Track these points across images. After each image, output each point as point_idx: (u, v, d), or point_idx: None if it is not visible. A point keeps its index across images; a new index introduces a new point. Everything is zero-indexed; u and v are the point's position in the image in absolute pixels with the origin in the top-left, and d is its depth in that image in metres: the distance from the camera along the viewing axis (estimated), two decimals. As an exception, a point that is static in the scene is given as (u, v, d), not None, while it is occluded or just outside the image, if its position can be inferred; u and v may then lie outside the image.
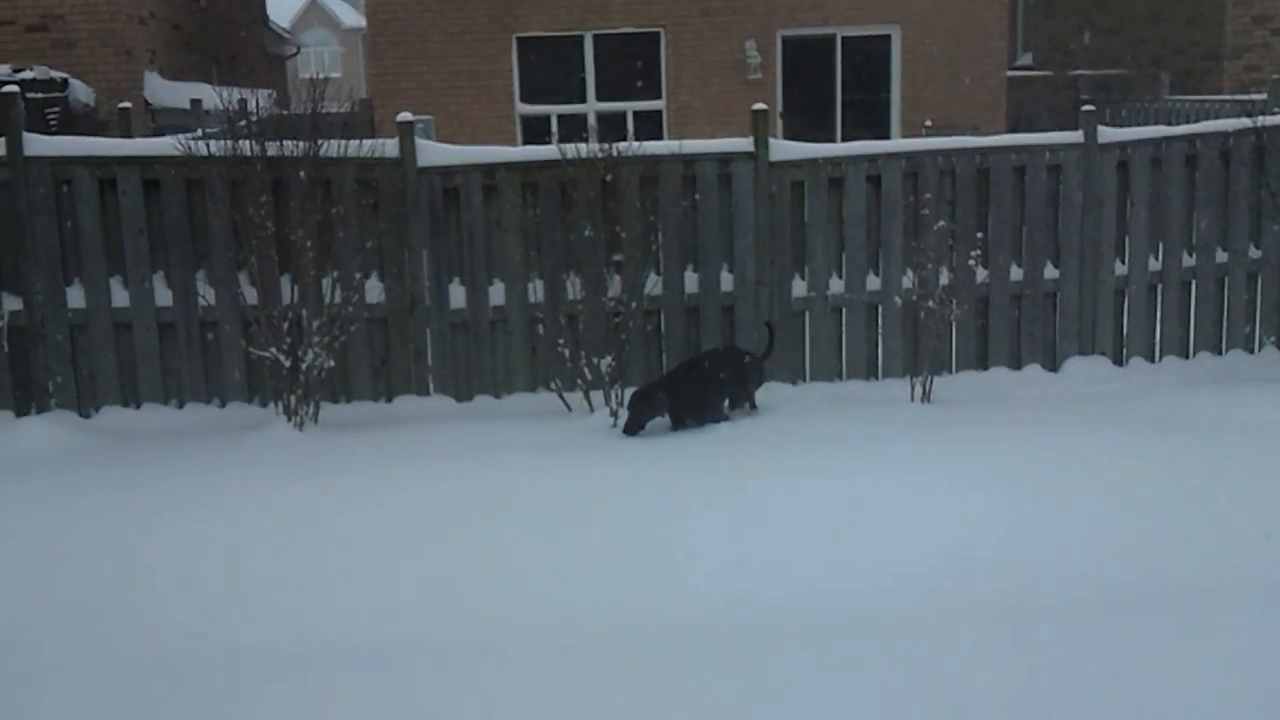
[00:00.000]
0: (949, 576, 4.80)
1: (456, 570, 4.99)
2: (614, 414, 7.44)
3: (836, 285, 8.16)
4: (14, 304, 7.59)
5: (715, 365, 7.47)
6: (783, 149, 8.08)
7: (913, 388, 7.76)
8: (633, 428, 7.15)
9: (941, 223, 7.96)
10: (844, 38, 17.30)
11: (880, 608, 4.59)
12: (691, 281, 8.02)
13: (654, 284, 7.92)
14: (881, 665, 4.13)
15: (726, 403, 7.49)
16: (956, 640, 4.30)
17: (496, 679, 4.11)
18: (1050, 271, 8.36)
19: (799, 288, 8.12)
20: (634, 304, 7.76)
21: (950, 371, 8.23)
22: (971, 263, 8.10)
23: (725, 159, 7.98)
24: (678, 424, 7.30)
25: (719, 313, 8.06)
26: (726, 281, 8.05)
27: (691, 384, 7.38)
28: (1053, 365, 8.43)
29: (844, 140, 13.92)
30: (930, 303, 7.75)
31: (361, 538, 5.32)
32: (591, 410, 7.62)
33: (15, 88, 7.70)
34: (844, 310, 8.19)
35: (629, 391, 7.52)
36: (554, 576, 4.92)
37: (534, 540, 5.25)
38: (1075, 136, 8.35)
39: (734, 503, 5.65)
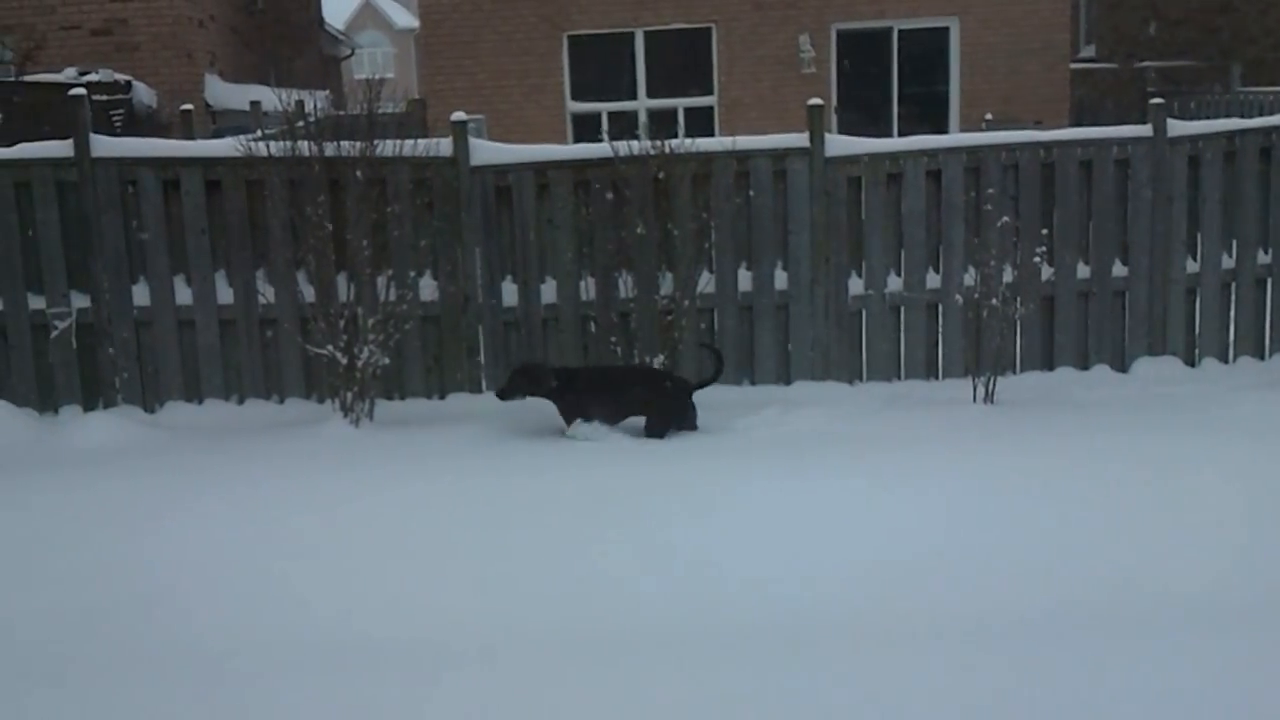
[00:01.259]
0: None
1: (506, 573, 5.03)
2: (667, 411, 7.46)
3: (895, 283, 8.11)
4: (82, 301, 7.75)
5: (631, 381, 7.36)
6: (839, 144, 8.06)
7: (975, 388, 7.63)
8: (507, 394, 7.18)
9: (1005, 219, 7.83)
10: (900, 30, 17.20)
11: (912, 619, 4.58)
12: (745, 279, 8.02)
13: (707, 282, 7.94)
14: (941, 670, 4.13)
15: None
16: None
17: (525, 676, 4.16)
18: (1119, 269, 8.23)
19: (855, 285, 8.09)
20: (686, 302, 7.79)
21: (1014, 372, 8.11)
22: (1036, 260, 7.94)
23: (780, 155, 7.97)
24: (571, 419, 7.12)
25: (772, 311, 8.06)
26: (780, 280, 8.04)
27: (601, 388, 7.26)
28: (1121, 365, 8.30)
29: (900, 135, 13.83)
30: (993, 301, 7.63)
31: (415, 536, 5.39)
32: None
33: (82, 90, 7.86)
34: (903, 309, 8.14)
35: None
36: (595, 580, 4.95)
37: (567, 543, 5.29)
38: (1144, 130, 8.23)
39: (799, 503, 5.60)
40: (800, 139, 7.99)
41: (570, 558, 5.04)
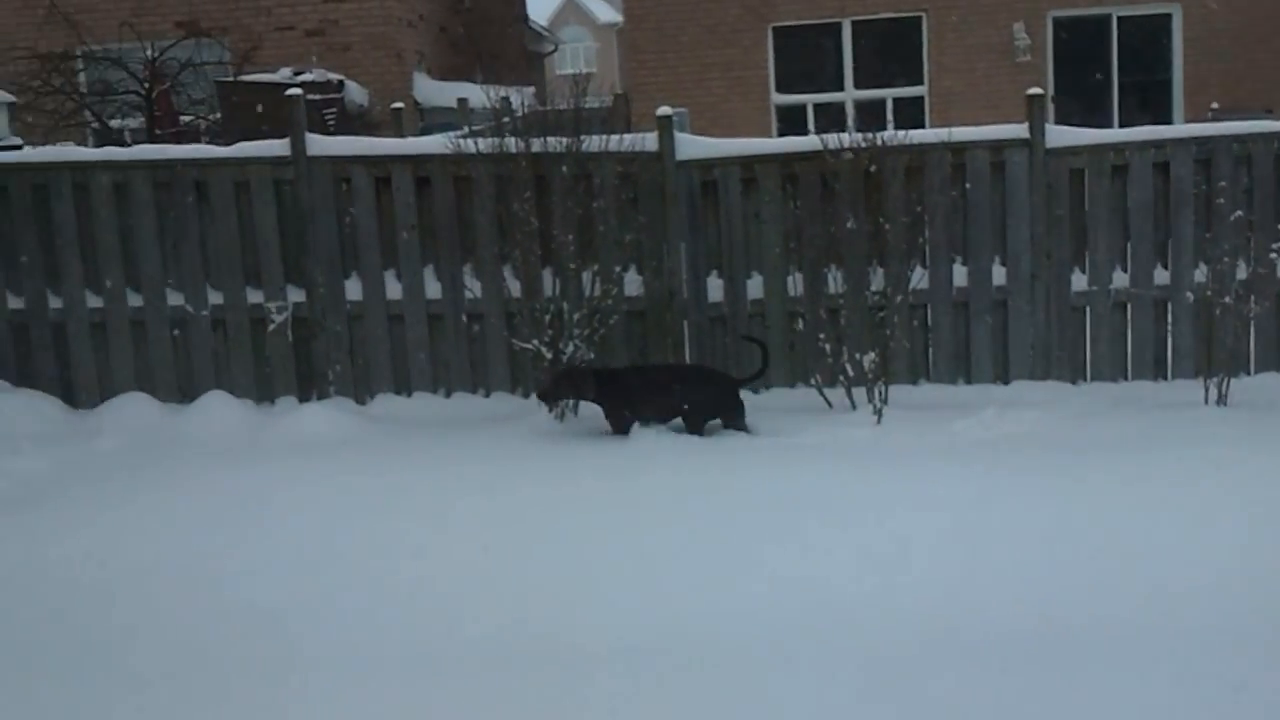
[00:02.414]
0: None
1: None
2: (877, 412, 7.22)
3: (1120, 279, 7.69)
4: (297, 296, 7.94)
5: (676, 379, 7.25)
6: (1060, 135, 7.68)
7: (1206, 390, 7.20)
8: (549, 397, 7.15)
9: (1238, 213, 7.36)
10: (1119, 17, 16.43)
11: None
12: (960, 275, 7.72)
13: (920, 278, 7.65)
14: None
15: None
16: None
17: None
18: (1365, 265, 7.62)
19: (1078, 281, 7.70)
20: (898, 298, 7.51)
21: (1247, 373, 7.59)
22: (1273, 256, 7.46)
23: (997, 146, 7.64)
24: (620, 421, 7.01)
25: (990, 308, 7.73)
26: (998, 275, 7.71)
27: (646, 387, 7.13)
28: (1366, 368, 7.68)
29: (1120, 125, 13.19)
30: (1226, 299, 7.19)
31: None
32: (853, 407, 7.41)
33: (298, 90, 8.05)
34: (1129, 306, 7.71)
35: (893, 389, 7.30)
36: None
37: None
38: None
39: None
40: (1019, 130, 7.67)
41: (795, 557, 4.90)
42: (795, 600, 4.59)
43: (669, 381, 7.25)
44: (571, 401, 7.28)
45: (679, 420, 7.05)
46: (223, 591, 4.87)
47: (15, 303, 7.93)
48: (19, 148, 9.48)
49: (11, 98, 10.42)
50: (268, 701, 4.06)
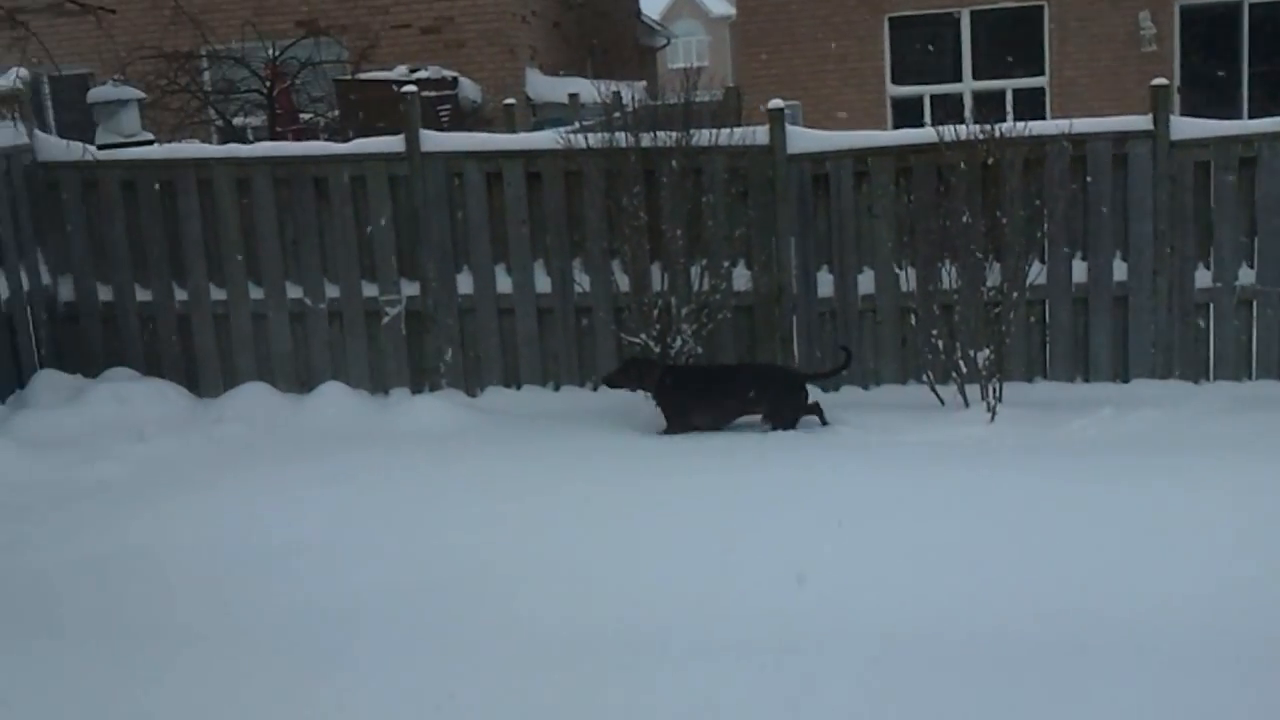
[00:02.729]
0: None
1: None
2: (990, 410, 7.09)
3: (1246, 275, 7.45)
4: (411, 289, 8.06)
5: (741, 378, 7.24)
6: (1185, 126, 7.47)
7: (1339, 391, 6.95)
8: (613, 383, 7.25)
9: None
10: (1251, 5, 15.87)
11: None
12: (1079, 270, 7.56)
13: (1037, 273, 7.49)
14: None
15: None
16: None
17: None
18: None
19: (1202, 277, 7.49)
20: (1015, 294, 7.36)
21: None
22: None
23: (1119, 138, 7.46)
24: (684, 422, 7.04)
25: (1109, 304, 7.55)
26: (1119, 270, 7.53)
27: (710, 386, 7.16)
28: None
29: (1251, 117, 12.73)
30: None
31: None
32: (966, 405, 7.30)
33: (413, 87, 8.17)
34: (1255, 303, 7.47)
35: (1007, 387, 7.17)
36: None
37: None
38: None
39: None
40: (1142, 121, 7.48)
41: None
42: (952, 602, 4.51)
43: (734, 381, 7.25)
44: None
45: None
46: (353, 572, 4.95)
47: (143, 295, 8.17)
48: (150, 142, 9.76)
49: (141, 94, 10.73)
50: (431, 676, 4.11)
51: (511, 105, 14.19)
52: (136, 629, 4.46)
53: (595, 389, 7.84)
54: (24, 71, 8.19)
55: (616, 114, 8.24)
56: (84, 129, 10.69)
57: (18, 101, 7.99)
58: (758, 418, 7.12)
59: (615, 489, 5.87)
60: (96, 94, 10.47)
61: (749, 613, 4.45)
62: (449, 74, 15.23)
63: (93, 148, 8.26)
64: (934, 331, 7.48)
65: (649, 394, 7.23)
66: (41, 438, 6.82)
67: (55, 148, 8.17)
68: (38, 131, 8.24)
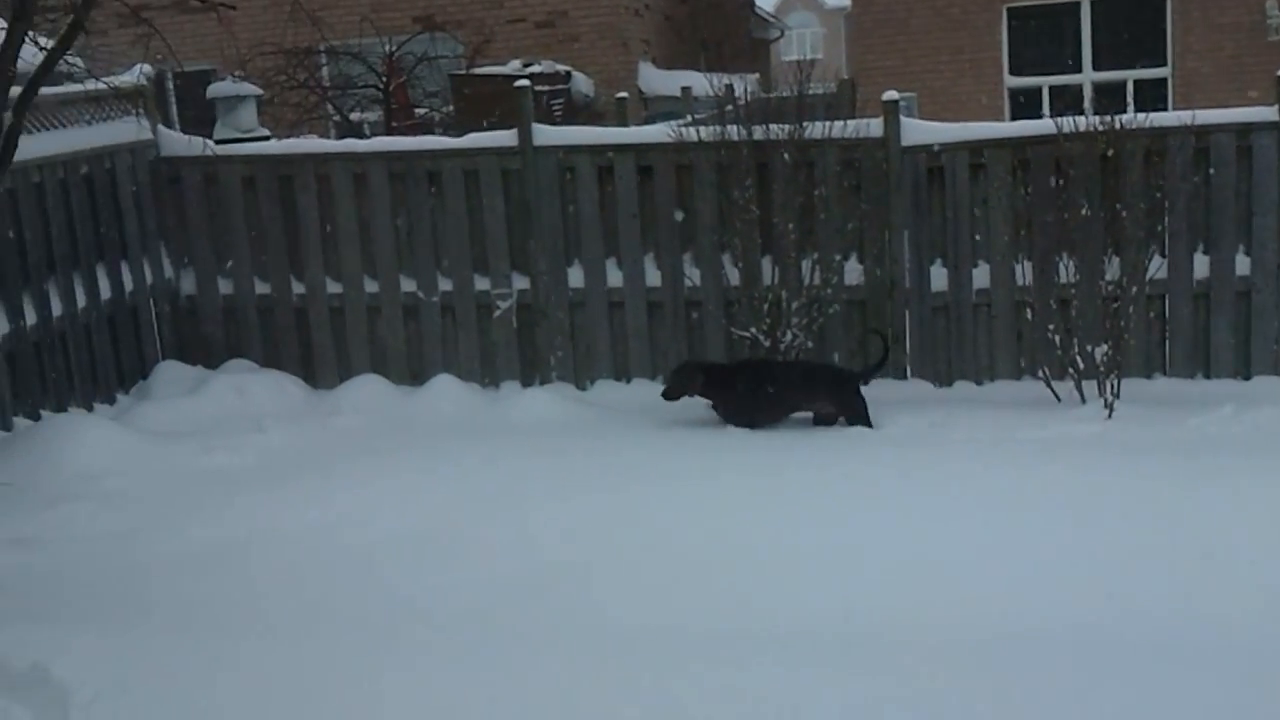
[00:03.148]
0: None
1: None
2: (1108, 406, 6.92)
3: (1378, 271, 7.18)
4: (522, 283, 8.12)
5: (792, 376, 7.25)
6: (1313, 117, 7.20)
7: None
8: (671, 395, 7.23)
9: None
10: (1383, -11, 15.27)
11: None
12: (1201, 265, 7.34)
13: (1157, 267, 7.29)
14: None
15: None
16: None
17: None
18: None
19: (1330, 272, 7.22)
20: (1134, 288, 7.18)
21: None
22: None
23: (1244, 130, 7.23)
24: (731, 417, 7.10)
25: (1232, 299, 7.33)
26: (1241, 265, 7.30)
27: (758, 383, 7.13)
28: None
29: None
30: None
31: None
32: (1083, 401, 7.14)
33: (526, 82, 8.22)
34: (1387, 300, 7.19)
35: (1125, 383, 7.00)
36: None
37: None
38: None
39: None
40: (1268, 112, 7.26)
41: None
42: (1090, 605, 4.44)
43: (786, 379, 7.24)
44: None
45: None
46: (459, 564, 5.01)
47: (262, 288, 8.35)
48: (268, 138, 9.98)
49: (260, 91, 10.97)
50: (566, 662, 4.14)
51: (624, 99, 14.22)
52: (250, 615, 4.56)
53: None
54: (148, 68, 8.40)
55: (729, 107, 8.21)
56: (204, 124, 10.99)
57: (142, 97, 8.21)
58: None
59: (730, 485, 5.86)
60: (216, 89, 10.75)
61: (877, 607, 4.45)
62: (562, 68, 15.32)
63: (212, 143, 8.47)
64: (1051, 326, 7.32)
65: (701, 395, 7.23)
66: (163, 428, 7.01)
67: (178, 143, 8.38)
68: (161, 127, 8.46)
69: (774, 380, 7.22)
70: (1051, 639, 4.15)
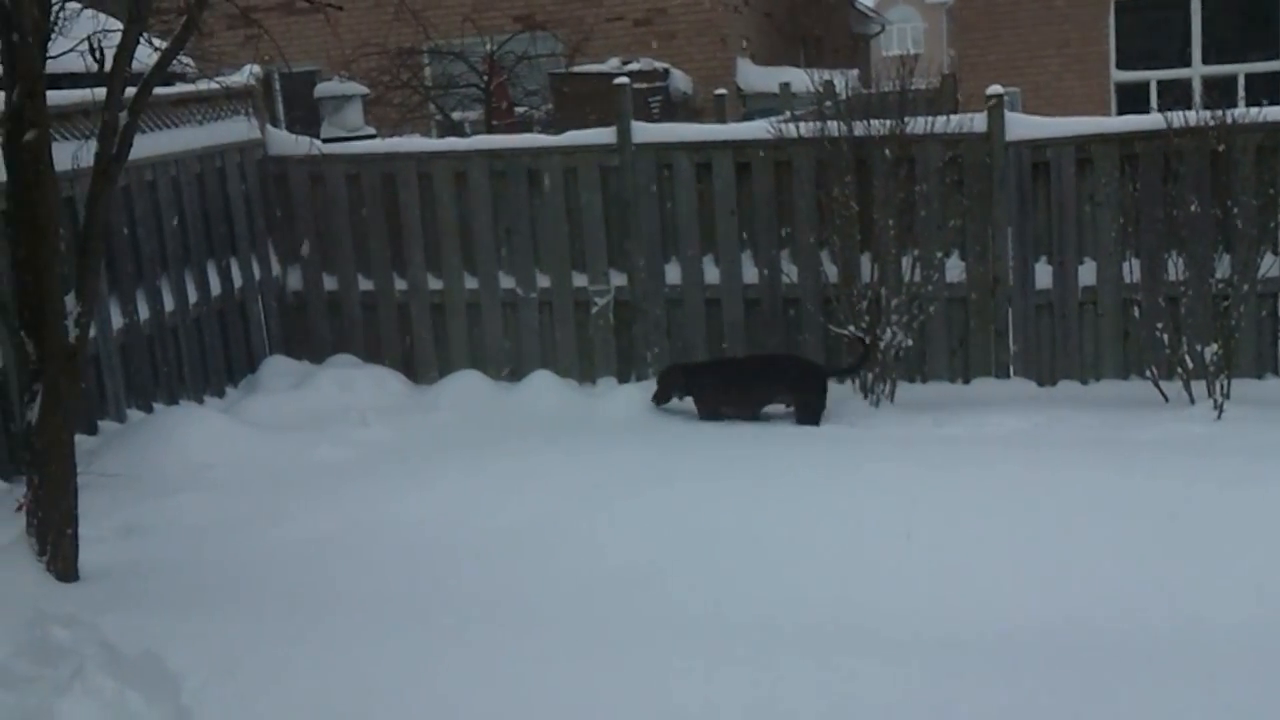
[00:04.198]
0: None
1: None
2: (1217, 407, 6.75)
3: None
4: (619, 279, 8.15)
5: (763, 370, 7.42)
6: None
7: None
8: (660, 400, 7.45)
9: None
10: None
11: None
12: (1315, 262, 7.12)
13: (1270, 264, 7.08)
14: None
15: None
16: None
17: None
18: None
19: None
20: (1245, 286, 6.99)
21: None
22: None
23: (1362, 123, 6.99)
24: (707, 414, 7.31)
25: (1349, 297, 7.10)
26: (1358, 263, 7.07)
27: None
28: None
29: None
30: None
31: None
32: (1192, 402, 6.97)
33: (625, 79, 8.25)
34: None
35: (1236, 383, 6.82)
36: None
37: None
38: None
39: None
40: (1388, 105, 6.99)
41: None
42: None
43: (756, 372, 7.44)
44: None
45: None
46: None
47: (365, 284, 8.48)
48: (373, 136, 10.14)
49: (366, 90, 11.15)
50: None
51: (722, 96, 14.20)
52: (354, 603, 4.63)
53: (843, 381, 7.71)
54: (257, 68, 8.57)
55: (828, 103, 8.15)
56: (310, 124, 11.19)
57: (251, 97, 8.38)
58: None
59: (827, 478, 5.85)
60: (323, 89, 10.95)
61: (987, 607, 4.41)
62: (660, 66, 15.35)
63: (318, 142, 8.62)
64: (1159, 325, 7.16)
65: (684, 396, 7.45)
66: (269, 421, 7.15)
67: (285, 142, 8.54)
68: (269, 126, 8.63)
69: (742, 375, 7.48)
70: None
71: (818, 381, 7.29)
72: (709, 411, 7.36)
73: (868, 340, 7.34)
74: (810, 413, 7.17)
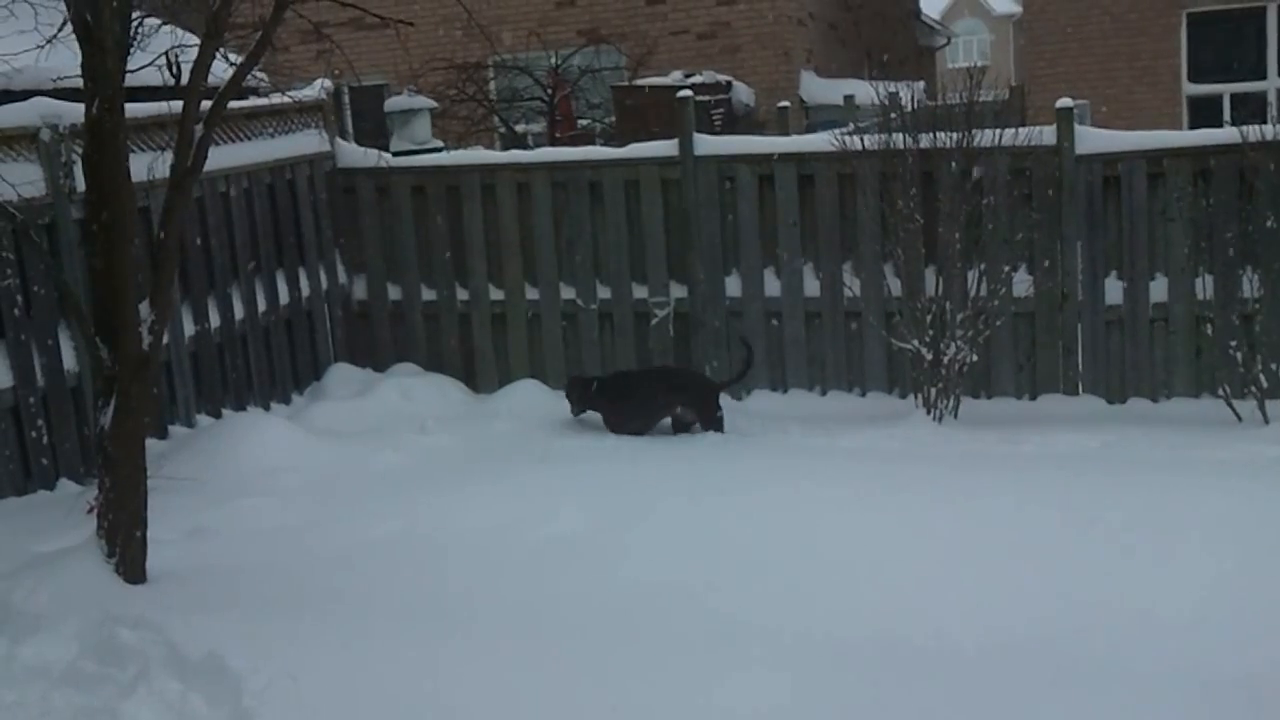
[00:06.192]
0: None
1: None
2: (1294, 427, 6.62)
3: None
4: (679, 291, 8.14)
5: (656, 383, 7.50)
6: None
7: None
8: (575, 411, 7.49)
9: None
10: None
11: None
12: (1397, 279, 6.96)
13: (1349, 281, 6.94)
14: None
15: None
16: None
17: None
18: None
19: None
20: (1323, 304, 6.85)
21: None
22: None
23: None
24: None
25: None
26: None
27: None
28: None
29: None
30: None
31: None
32: (1266, 421, 6.83)
33: (688, 92, 8.25)
34: None
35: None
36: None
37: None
38: None
39: None
40: None
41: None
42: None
43: (651, 386, 7.48)
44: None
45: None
46: (618, 567, 5.06)
47: (428, 294, 8.54)
48: (441, 149, 10.23)
49: (433, 104, 11.25)
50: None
51: (785, 108, 14.15)
52: (415, 609, 4.66)
53: (904, 397, 7.67)
54: (328, 82, 8.69)
55: (893, 115, 8.10)
56: (379, 137, 11.31)
57: (321, 110, 8.49)
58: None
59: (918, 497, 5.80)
60: (393, 104, 11.07)
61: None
62: (723, 78, 15.33)
63: (387, 154, 8.70)
64: (1232, 343, 7.03)
65: (593, 408, 7.47)
66: (334, 427, 7.23)
67: (353, 154, 8.64)
68: (338, 139, 8.73)
69: (641, 389, 7.50)
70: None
71: (713, 393, 7.42)
72: (616, 425, 7.35)
73: (750, 351, 7.59)
74: (716, 423, 7.28)
